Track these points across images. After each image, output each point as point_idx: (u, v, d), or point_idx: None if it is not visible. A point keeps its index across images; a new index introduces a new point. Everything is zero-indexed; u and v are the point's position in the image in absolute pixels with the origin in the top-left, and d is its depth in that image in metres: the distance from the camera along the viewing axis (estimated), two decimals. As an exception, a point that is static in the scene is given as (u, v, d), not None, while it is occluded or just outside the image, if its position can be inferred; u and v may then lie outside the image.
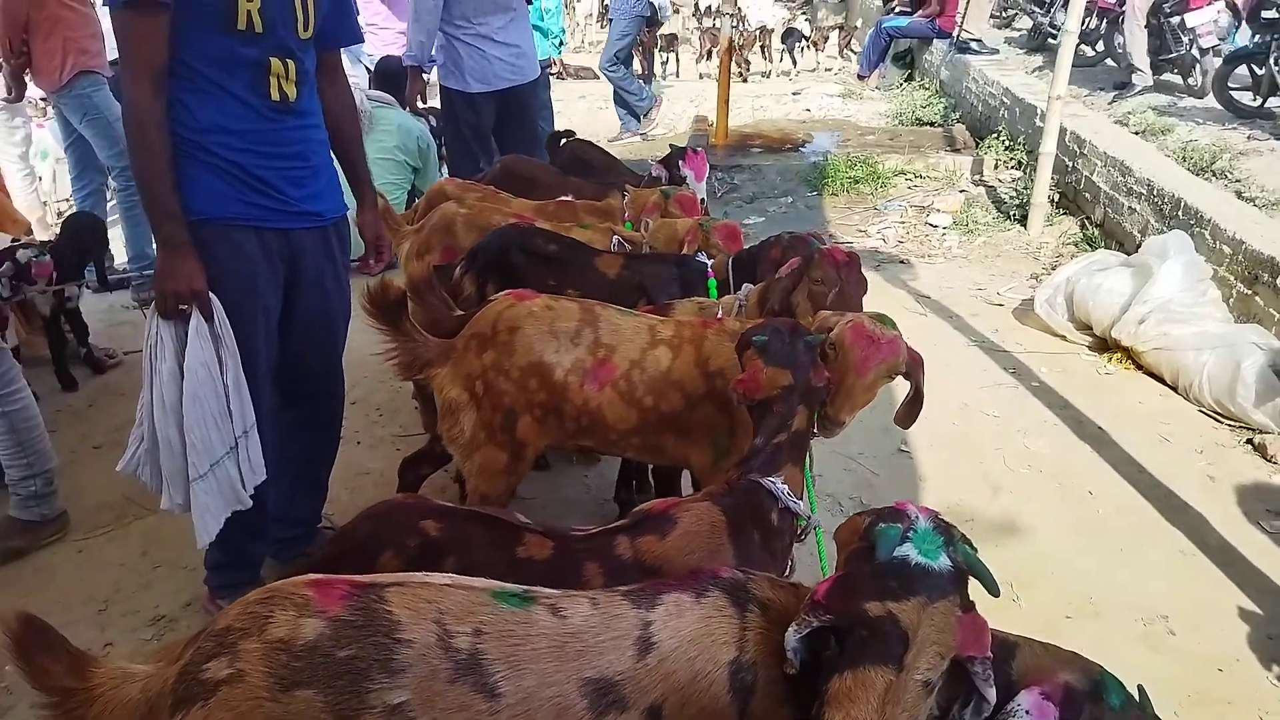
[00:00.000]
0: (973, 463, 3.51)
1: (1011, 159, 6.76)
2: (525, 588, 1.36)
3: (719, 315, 2.47)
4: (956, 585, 1.21)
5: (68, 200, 5.59)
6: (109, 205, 5.29)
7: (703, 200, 3.58)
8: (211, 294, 2.20)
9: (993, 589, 1.25)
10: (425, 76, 4.95)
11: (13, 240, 3.90)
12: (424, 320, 2.63)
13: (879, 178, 6.87)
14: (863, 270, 2.53)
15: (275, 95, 2.23)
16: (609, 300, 2.48)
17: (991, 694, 1.23)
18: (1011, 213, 6.06)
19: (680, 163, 3.64)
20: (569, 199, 3.62)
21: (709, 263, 2.86)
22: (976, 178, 6.77)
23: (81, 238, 4.03)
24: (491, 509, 1.68)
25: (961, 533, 1.31)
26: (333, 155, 2.53)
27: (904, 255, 5.72)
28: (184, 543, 2.51)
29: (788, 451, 1.79)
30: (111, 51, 5.21)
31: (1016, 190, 6.29)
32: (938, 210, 6.28)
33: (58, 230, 4.16)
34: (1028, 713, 1.25)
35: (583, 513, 3.23)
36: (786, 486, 1.75)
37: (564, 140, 4.41)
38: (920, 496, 3.32)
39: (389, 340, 2.33)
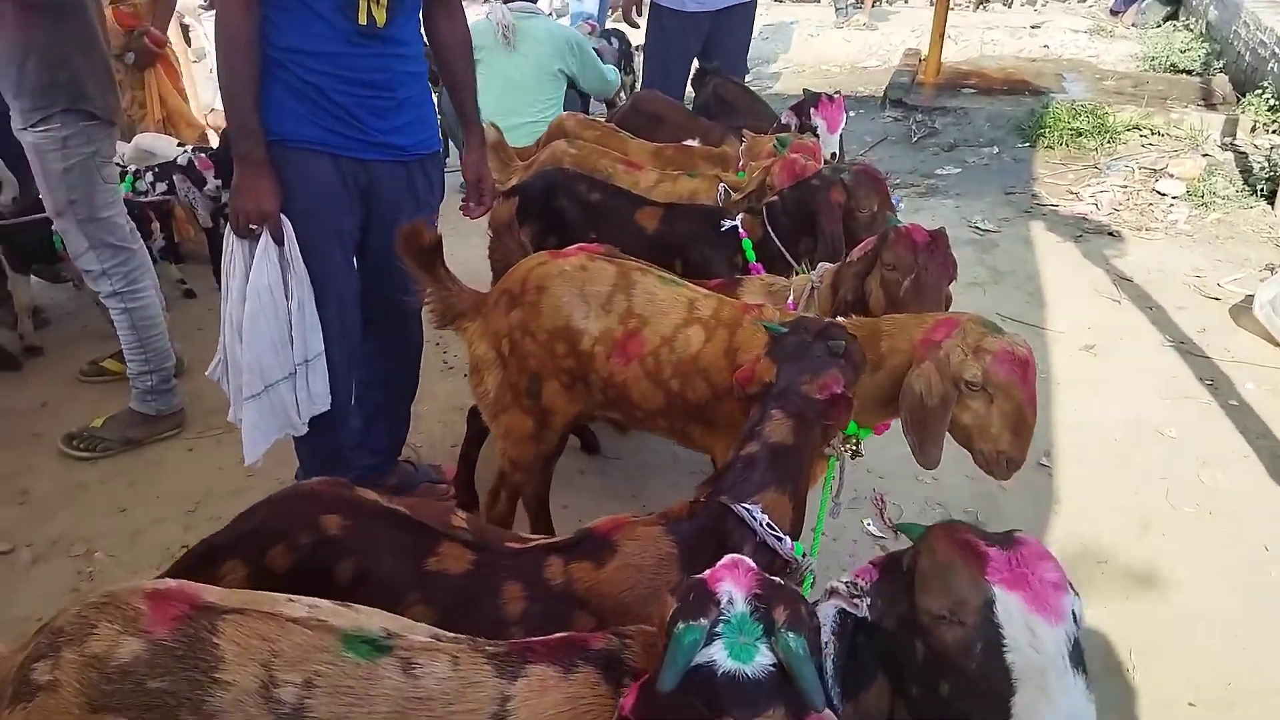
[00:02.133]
0: (1126, 490, 2.96)
1: (1274, 121, 5.65)
2: (388, 633, 1.18)
3: (789, 301, 2.14)
4: (779, 691, 0.93)
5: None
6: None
7: (833, 154, 3.16)
8: (283, 217, 2.18)
9: (814, 703, 0.93)
10: None
11: (179, 144, 4.11)
12: (500, 263, 2.51)
13: (1107, 131, 5.98)
14: (951, 251, 2.04)
15: (363, 19, 2.12)
16: (642, 255, 2.24)
17: None
18: (1260, 187, 5.06)
19: (813, 110, 3.23)
20: (691, 143, 3.32)
21: (737, 222, 2.57)
22: (1227, 140, 5.72)
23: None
24: (424, 513, 1.48)
25: (794, 611, 0.99)
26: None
27: (1115, 226, 4.95)
28: (280, 455, 2.52)
29: (766, 470, 1.48)
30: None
31: (1271, 160, 5.24)
32: (1171, 176, 5.36)
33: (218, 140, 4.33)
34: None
35: (663, 480, 3.04)
36: (765, 517, 1.43)
37: (708, 76, 4.06)
38: (1047, 523, 2.84)
39: (422, 287, 2.19)
